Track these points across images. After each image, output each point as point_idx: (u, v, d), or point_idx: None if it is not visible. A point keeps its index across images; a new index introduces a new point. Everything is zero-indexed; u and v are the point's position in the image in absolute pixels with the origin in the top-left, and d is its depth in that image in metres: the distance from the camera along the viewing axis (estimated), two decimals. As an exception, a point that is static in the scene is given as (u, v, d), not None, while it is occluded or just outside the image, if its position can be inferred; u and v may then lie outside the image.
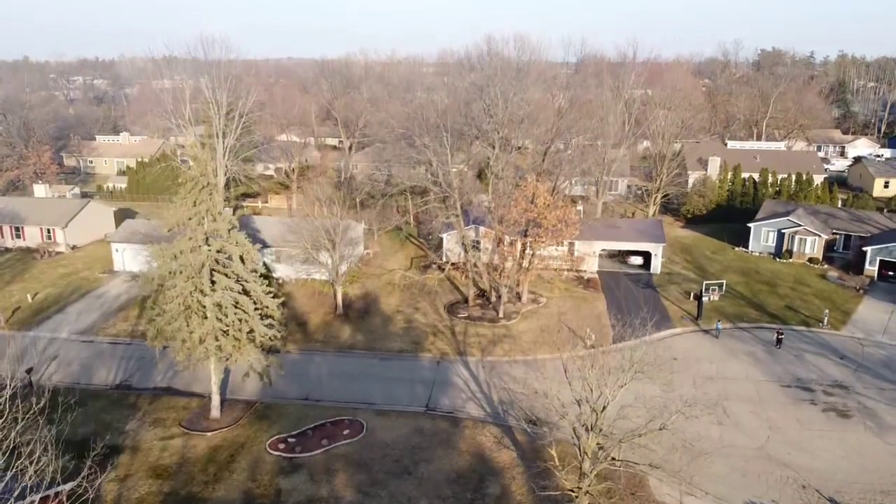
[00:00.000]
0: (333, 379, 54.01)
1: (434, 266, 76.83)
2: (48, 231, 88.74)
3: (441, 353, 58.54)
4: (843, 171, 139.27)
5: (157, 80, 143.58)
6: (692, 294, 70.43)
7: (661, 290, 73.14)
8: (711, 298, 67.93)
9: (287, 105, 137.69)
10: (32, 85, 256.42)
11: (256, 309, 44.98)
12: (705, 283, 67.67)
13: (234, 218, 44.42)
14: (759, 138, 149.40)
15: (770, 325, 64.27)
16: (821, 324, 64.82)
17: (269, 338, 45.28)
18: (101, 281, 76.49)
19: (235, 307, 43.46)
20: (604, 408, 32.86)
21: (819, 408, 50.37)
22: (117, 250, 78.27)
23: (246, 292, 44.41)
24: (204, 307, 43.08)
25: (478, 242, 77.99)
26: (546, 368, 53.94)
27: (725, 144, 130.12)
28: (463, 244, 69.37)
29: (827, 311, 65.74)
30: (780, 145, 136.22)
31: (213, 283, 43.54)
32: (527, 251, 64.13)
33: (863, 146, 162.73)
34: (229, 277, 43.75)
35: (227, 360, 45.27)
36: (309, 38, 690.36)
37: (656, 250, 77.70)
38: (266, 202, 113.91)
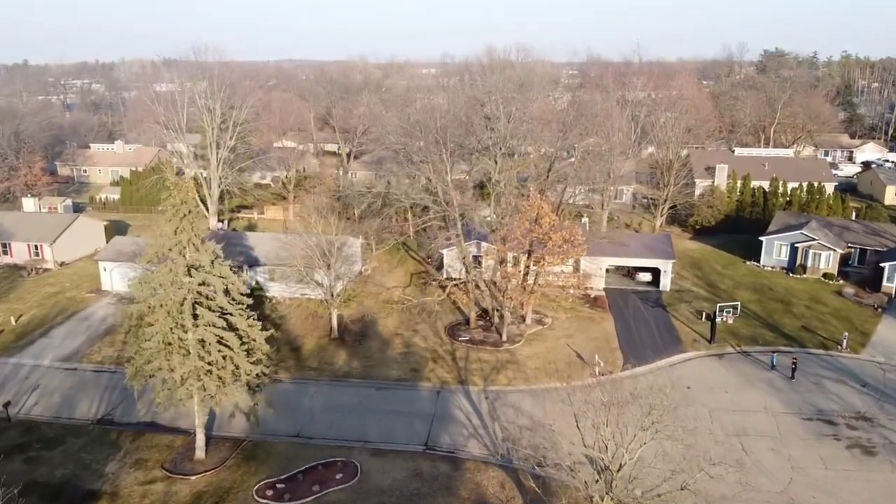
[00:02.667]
0: (327, 412, 51.02)
1: (434, 283, 74.01)
2: (36, 247, 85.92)
3: (441, 382, 55.55)
4: (852, 177, 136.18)
5: (154, 85, 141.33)
6: (704, 314, 67.39)
7: (672, 308, 70.08)
8: (726, 320, 64.74)
9: (284, 113, 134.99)
10: (31, 89, 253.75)
11: (243, 343, 42.03)
12: (719, 305, 64.58)
13: (217, 248, 41.48)
14: (766, 144, 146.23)
15: (787, 349, 61.23)
16: (839, 346, 61.79)
17: (256, 375, 42.28)
18: (88, 301, 73.59)
19: (219, 343, 40.50)
20: (620, 467, 29.86)
21: (843, 444, 47.31)
22: (105, 269, 75.37)
23: (231, 327, 41.44)
24: (185, 345, 40.14)
25: (479, 258, 75.06)
26: (553, 400, 51.10)
27: (733, 151, 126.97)
28: (464, 264, 66.34)
29: (846, 333, 62.66)
30: (789, 152, 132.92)
31: (195, 316, 40.60)
32: (530, 270, 61.01)
33: (871, 151, 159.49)
34: (213, 311, 40.81)
35: (212, 398, 42.27)
36: (311, 39, 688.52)
37: (665, 267, 74.62)
38: (262, 213, 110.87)
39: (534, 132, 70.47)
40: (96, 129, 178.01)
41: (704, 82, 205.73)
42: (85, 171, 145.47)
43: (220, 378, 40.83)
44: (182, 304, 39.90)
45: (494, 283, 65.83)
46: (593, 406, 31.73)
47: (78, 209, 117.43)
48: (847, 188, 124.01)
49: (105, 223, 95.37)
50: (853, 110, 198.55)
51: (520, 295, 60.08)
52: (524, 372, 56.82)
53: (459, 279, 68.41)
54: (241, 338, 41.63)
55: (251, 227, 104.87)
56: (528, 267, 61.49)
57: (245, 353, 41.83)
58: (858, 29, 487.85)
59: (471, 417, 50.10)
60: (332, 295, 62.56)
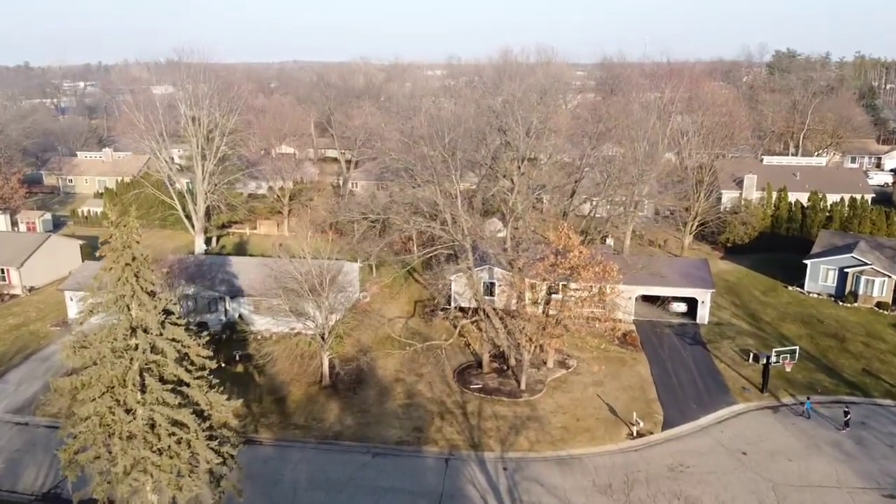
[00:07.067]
0: (313, 490, 42.44)
1: (441, 314, 65.87)
2: (2, 271, 77.80)
3: (450, 446, 46.89)
4: (884, 186, 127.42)
5: (152, 89, 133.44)
6: (751, 355, 58.78)
7: (713, 346, 61.47)
8: (782, 367, 55.66)
9: (280, 119, 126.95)
10: (29, 92, 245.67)
11: (204, 420, 33.62)
12: (775, 350, 55.80)
13: (170, 300, 33.09)
14: (795, 152, 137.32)
15: (852, 399, 52.64)
16: (910, 395, 53.27)
17: (222, 461, 33.80)
18: (52, 336, 65.32)
19: (172, 425, 32.09)
20: None
21: (941, 532, 38.80)
22: (72, 299, 67.09)
23: (187, 399, 32.97)
24: (129, 428, 31.74)
25: (492, 286, 66.74)
26: (585, 470, 42.78)
27: (761, 160, 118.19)
28: (476, 300, 57.72)
29: (919, 380, 54.10)
30: (821, 161, 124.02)
31: (143, 389, 32.23)
32: (552, 312, 52.29)
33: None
34: (165, 381, 32.43)
35: (167, 486, 33.83)
36: (315, 40, 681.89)
37: (704, 297, 65.97)
38: (255, 229, 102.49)
39: (558, 146, 62.06)
40: (86, 135, 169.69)
41: (720, 83, 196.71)
42: (71, 180, 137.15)
43: (173, 468, 32.38)
44: (125, 377, 31.55)
45: (512, 317, 57.27)
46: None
47: (59, 223, 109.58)
48: (881, 199, 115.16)
49: (81, 242, 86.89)
50: (877, 114, 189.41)
51: (540, 338, 51.44)
52: (549, 432, 48.12)
53: (471, 313, 59.78)
54: (201, 414, 33.22)
55: (242, 244, 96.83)
56: (548, 305, 52.77)
57: (207, 430, 33.41)
58: (864, 29, 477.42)
59: (487, 497, 41.47)
60: (322, 337, 54.03)
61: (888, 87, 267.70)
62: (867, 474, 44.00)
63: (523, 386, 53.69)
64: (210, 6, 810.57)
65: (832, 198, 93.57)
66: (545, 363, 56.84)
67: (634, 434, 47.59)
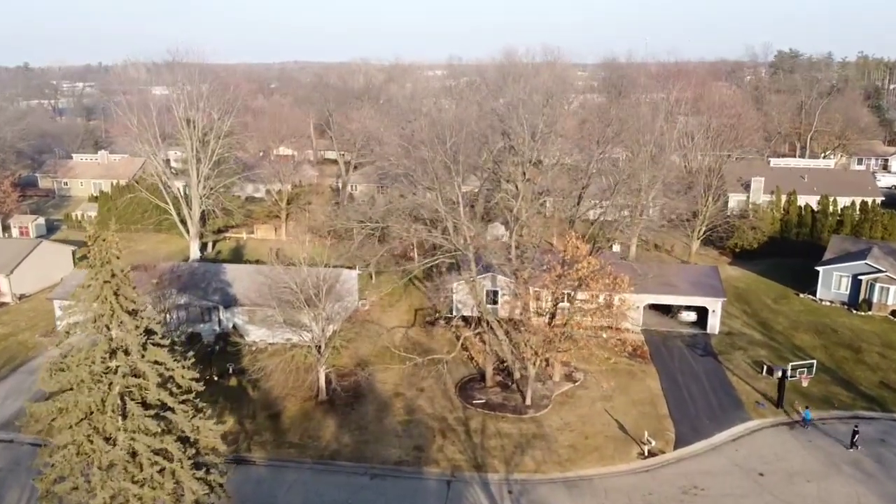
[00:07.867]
0: (308, 515, 40.42)
1: (443, 323, 63.65)
2: (-9, 279, 75.70)
3: (452, 467, 44.67)
4: (892, 189, 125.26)
5: (150, 90, 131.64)
6: (765, 367, 56.59)
7: (724, 358, 59.27)
8: (799, 381, 53.40)
9: (279, 121, 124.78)
10: (28, 93, 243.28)
11: (191, 445, 31.48)
12: (791, 364, 53.64)
13: (153, 320, 30.96)
14: (801, 154, 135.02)
15: (871, 415, 50.46)
16: (931, 410, 51.06)
17: (209, 490, 31.65)
18: (40, 347, 63.22)
19: (155, 454, 29.96)
20: None
21: (973, 562, 36.60)
22: (61, 308, 64.88)
23: (171, 424, 30.84)
24: (108, 457, 29.60)
25: (496, 293, 64.66)
26: (595, 493, 40.60)
27: (768, 163, 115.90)
28: (480, 311, 55.47)
29: (939, 394, 51.90)
30: (830, 163, 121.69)
31: (124, 415, 30.11)
32: (558, 327, 50.03)
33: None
34: (148, 406, 30.29)
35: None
36: (315, 41, 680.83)
37: (714, 306, 63.78)
38: (252, 233, 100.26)
39: (565, 150, 59.91)
40: (83, 137, 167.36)
41: (724, 83, 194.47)
42: (66, 183, 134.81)
43: (156, 500, 30.24)
44: (104, 402, 29.42)
45: (516, 328, 55.07)
46: None
47: (53, 227, 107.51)
48: (890, 202, 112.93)
49: (74, 248, 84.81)
50: (882, 114, 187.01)
51: (546, 351, 49.23)
52: (556, 451, 45.90)
53: (474, 324, 57.56)
54: (186, 440, 31.08)
55: (239, 249, 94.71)
56: (553, 317, 50.53)
57: (193, 458, 31.24)
58: (865, 29, 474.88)
59: (491, 524, 39.45)
60: (318, 350, 51.84)
61: (891, 87, 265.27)
62: (889, 496, 41.81)
63: (529, 401, 51.48)
64: (210, 6, 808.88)
65: (841, 201, 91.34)
66: (551, 377, 54.63)
67: (645, 453, 45.41)
